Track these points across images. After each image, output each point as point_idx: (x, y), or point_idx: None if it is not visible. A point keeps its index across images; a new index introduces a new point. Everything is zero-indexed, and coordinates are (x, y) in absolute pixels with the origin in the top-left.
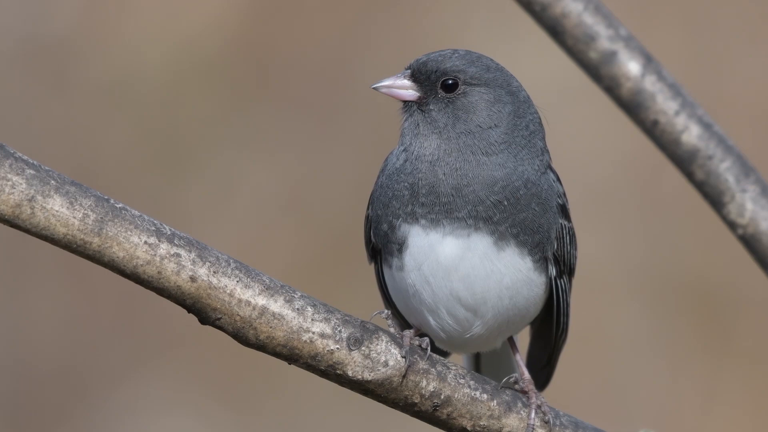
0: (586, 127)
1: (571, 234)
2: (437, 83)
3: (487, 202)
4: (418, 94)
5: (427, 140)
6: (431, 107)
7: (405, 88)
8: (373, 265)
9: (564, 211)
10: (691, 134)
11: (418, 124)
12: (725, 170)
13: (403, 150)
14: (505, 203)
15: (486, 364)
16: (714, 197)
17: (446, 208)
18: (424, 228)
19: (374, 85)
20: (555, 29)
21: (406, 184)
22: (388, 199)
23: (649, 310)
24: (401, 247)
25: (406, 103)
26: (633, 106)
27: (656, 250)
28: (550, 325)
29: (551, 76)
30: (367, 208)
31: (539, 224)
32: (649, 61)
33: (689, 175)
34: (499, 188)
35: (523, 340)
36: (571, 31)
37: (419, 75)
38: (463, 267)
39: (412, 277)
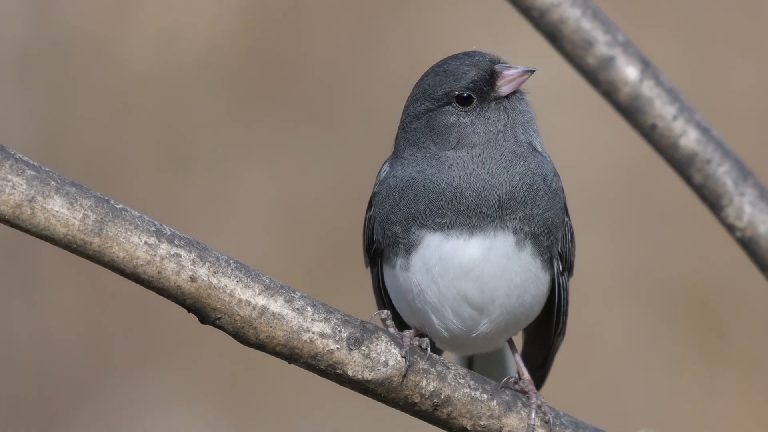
0: (582, 131)
1: (572, 231)
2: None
3: (536, 199)
4: None
5: (525, 138)
6: (524, 96)
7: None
8: (370, 269)
9: (566, 207)
10: (689, 138)
11: (526, 122)
12: (723, 174)
13: (478, 160)
14: (546, 198)
15: (479, 366)
16: (712, 200)
17: (497, 213)
18: (446, 233)
19: (527, 72)
20: (553, 35)
21: (463, 192)
22: (416, 206)
23: (646, 313)
24: (411, 247)
25: (504, 99)
26: (631, 111)
27: (652, 253)
28: (546, 327)
29: (547, 79)
30: (369, 210)
31: (556, 225)
32: (646, 66)
33: (687, 179)
34: (547, 182)
35: (518, 342)
36: (569, 36)
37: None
38: (479, 267)
39: (418, 276)
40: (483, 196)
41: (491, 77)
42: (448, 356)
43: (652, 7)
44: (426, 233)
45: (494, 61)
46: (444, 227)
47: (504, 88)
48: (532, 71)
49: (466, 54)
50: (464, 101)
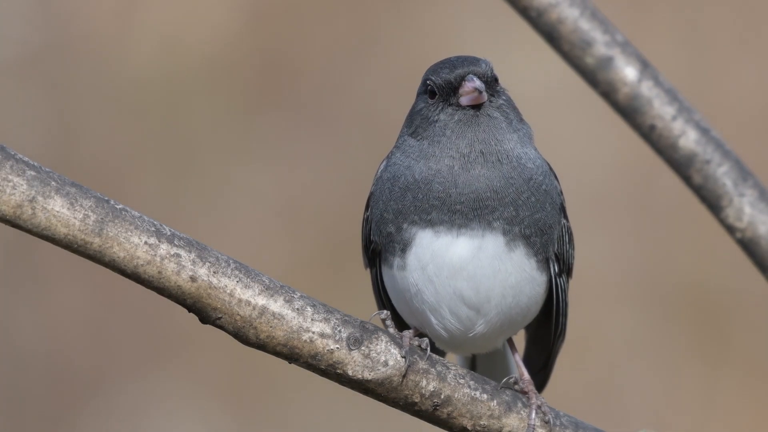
0: (581, 132)
1: (570, 233)
2: (492, 85)
3: (519, 201)
4: (487, 95)
5: (502, 135)
6: (500, 102)
7: (484, 90)
8: (369, 270)
9: (564, 209)
10: (689, 139)
11: (488, 127)
12: (723, 174)
13: (457, 157)
14: (532, 199)
15: (481, 366)
16: (712, 201)
17: (477, 212)
18: (436, 231)
19: (476, 91)
20: (551, 35)
21: (440, 193)
22: (404, 206)
23: (646, 314)
24: (406, 247)
25: (475, 107)
26: (630, 111)
27: (651, 254)
28: (547, 328)
29: (545, 80)
30: (366, 210)
31: (549, 225)
32: (645, 67)
33: (687, 179)
34: (530, 185)
35: (519, 343)
36: (567, 36)
37: (480, 77)
38: (471, 266)
39: (415, 276)
40: (454, 194)
41: (459, 85)
42: (450, 357)
43: (651, 7)
44: (417, 230)
45: (474, 72)
46: (431, 223)
47: (461, 99)
48: (480, 92)
49: (461, 57)
50: (431, 94)
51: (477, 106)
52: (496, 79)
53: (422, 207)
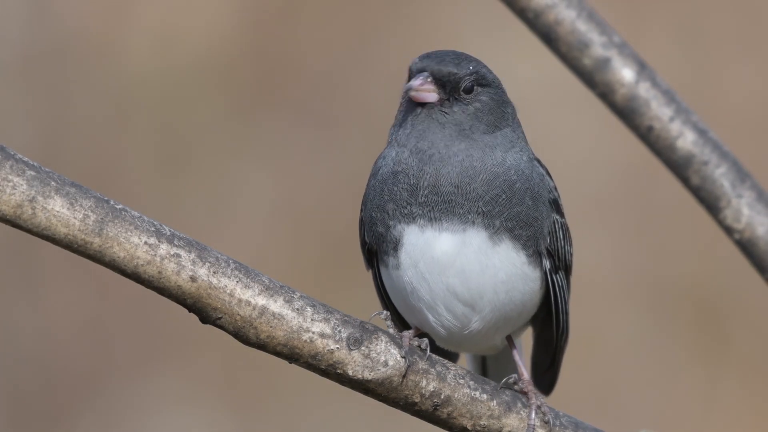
0: (581, 134)
1: (564, 229)
2: (458, 86)
3: (486, 197)
4: (439, 97)
5: (451, 141)
6: (455, 109)
7: (429, 91)
8: (370, 270)
9: (556, 205)
10: (686, 140)
11: (443, 126)
12: (721, 176)
13: (413, 151)
14: (503, 197)
15: (491, 368)
16: (710, 202)
17: (447, 206)
18: (420, 226)
19: (407, 89)
20: (548, 36)
21: (406, 185)
22: (384, 202)
23: (647, 315)
24: (397, 245)
25: (423, 105)
26: (628, 113)
27: (653, 254)
28: (551, 327)
29: (546, 82)
30: (361, 211)
31: (533, 218)
32: (642, 68)
33: (685, 181)
34: (498, 183)
35: (527, 344)
36: (564, 38)
37: (438, 77)
38: (458, 262)
39: (409, 274)
40: (420, 187)
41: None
42: (462, 360)
43: (648, 9)
44: (404, 227)
45: (431, 70)
46: (413, 218)
47: (404, 88)
48: (416, 92)
49: (443, 52)
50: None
51: (425, 104)
52: (467, 86)
53: (396, 199)
